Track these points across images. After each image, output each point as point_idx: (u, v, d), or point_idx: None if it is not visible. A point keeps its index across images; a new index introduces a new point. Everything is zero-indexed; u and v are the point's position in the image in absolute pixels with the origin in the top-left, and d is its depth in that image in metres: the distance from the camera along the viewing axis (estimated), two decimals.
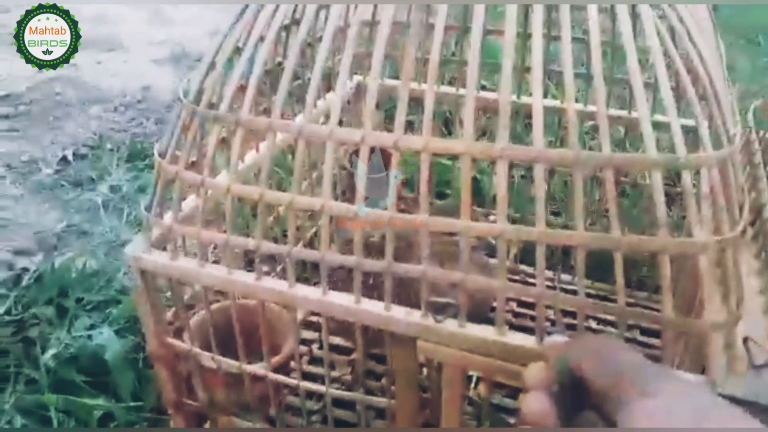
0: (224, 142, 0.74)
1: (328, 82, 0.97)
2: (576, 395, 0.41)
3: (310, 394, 0.82)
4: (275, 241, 0.90)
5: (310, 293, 0.57)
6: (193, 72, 0.61)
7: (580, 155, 0.46)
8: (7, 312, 1.09)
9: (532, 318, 0.98)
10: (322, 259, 0.54)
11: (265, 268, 0.59)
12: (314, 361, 0.95)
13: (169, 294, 0.68)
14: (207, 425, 0.79)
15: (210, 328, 0.65)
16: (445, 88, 1.00)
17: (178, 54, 2.26)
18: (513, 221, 0.49)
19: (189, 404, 0.73)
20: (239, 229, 0.94)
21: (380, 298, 0.55)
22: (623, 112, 0.92)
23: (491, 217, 0.79)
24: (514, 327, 0.52)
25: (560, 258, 1.04)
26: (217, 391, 0.71)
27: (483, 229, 0.49)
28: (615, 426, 0.38)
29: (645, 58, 0.52)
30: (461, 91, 0.99)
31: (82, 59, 2.12)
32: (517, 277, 1.05)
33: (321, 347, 0.95)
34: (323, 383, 0.64)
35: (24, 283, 1.16)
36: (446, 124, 1.41)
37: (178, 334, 0.70)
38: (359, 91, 1.05)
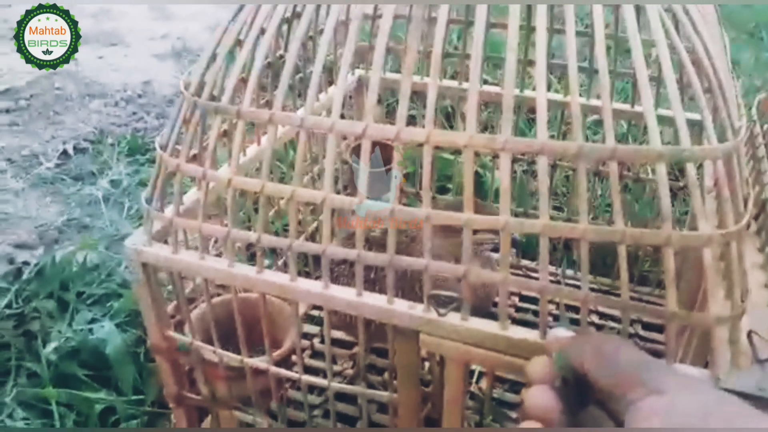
0: (225, 135, 0.74)
1: (329, 75, 0.97)
2: (580, 390, 0.41)
3: (311, 388, 0.82)
4: (276, 235, 0.89)
5: (312, 287, 0.57)
6: (194, 65, 0.60)
7: (584, 147, 0.46)
8: (8, 305, 1.09)
9: (534, 312, 0.99)
10: (324, 253, 0.54)
11: (266, 262, 0.59)
12: (315, 355, 0.95)
13: (170, 287, 0.67)
14: (208, 419, 0.79)
15: (211, 321, 0.65)
16: (447, 82, 1.00)
17: (179, 49, 2.25)
18: (515, 216, 0.49)
19: (190, 398, 0.73)
20: (240, 222, 0.94)
21: (381, 293, 0.55)
22: (626, 106, 0.91)
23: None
24: (515, 321, 0.52)
25: (562, 252, 1.04)
26: (218, 384, 0.71)
27: (486, 222, 0.49)
28: (619, 421, 0.38)
29: (647, 53, 0.51)
30: (464, 84, 0.98)
31: (83, 54, 2.10)
32: (519, 272, 1.05)
33: (322, 341, 0.95)
34: (324, 377, 0.64)
35: (25, 276, 1.16)
36: (448, 119, 1.41)
37: (179, 327, 0.70)
38: (360, 84, 1.05)
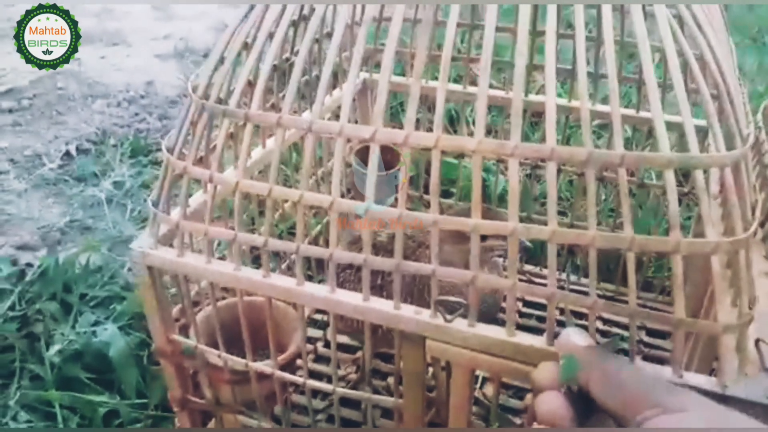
0: (231, 138, 0.74)
1: (334, 79, 0.97)
2: (586, 397, 0.41)
3: (316, 393, 0.82)
4: (279, 238, 0.89)
5: (318, 291, 0.57)
6: (199, 67, 0.60)
7: (594, 153, 0.46)
8: (11, 307, 1.09)
9: (537, 318, 0.99)
10: (331, 256, 0.54)
11: (271, 265, 0.59)
12: (319, 359, 0.94)
13: (174, 290, 0.67)
14: (212, 423, 0.79)
15: (216, 325, 0.65)
16: (452, 86, 1.00)
17: (181, 49, 2.25)
18: (519, 220, 0.48)
19: (194, 402, 0.73)
20: (245, 225, 0.94)
21: (388, 299, 0.55)
22: (630, 111, 0.91)
23: None
24: (518, 327, 0.52)
25: (566, 257, 1.03)
26: (222, 388, 0.71)
27: (494, 227, 0.49)
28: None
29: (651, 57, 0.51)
30: (468, 88, 0.98)
31: (86, 54, 2.12)
32: (522, 277, 1.05)
33: (324, 345, 0.95)
34: (328, 381, 0.64)
35: (28, 278, 1.16)
36: (451, 123, 1.41)
37: (183, 330, 0.70)
38: (365, 87, 1.05)
